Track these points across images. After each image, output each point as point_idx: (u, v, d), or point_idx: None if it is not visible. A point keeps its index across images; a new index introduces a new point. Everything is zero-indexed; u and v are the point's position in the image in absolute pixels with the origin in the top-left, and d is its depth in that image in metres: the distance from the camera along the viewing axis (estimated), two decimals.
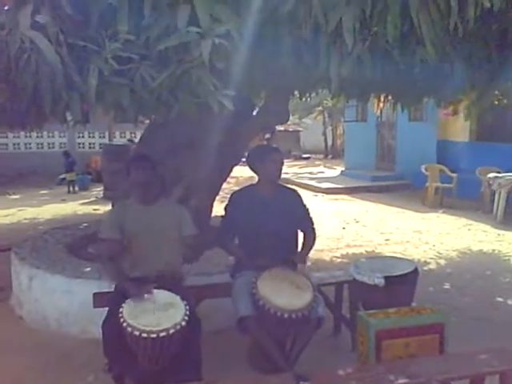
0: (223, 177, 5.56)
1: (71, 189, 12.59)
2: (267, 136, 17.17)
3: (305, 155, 22.24)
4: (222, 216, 3.62)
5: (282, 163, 3.53)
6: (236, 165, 5.53)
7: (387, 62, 3.33)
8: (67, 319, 4.19)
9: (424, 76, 3.72)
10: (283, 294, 3.11)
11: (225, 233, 3.52)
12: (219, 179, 5.46)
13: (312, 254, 6.45)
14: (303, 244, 3.59)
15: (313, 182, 13.62)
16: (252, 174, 3.66)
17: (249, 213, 3.45)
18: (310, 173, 16.26)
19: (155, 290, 3.00)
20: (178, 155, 4.92)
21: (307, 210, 3.65)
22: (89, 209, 10.13)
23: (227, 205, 3.56)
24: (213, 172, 5.03)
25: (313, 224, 3.66)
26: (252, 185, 3.62)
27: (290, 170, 16.52)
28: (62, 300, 4.20)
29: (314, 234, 3.63)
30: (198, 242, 3.46)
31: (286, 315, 3.02)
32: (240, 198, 3.53)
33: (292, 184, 13.22)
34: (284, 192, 3.61)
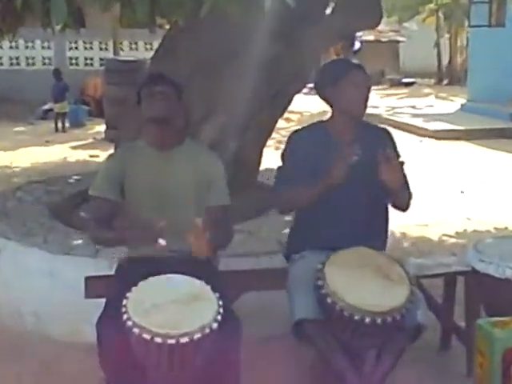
0: (278, 110, 5.56)
1: (60, 125, 12.87)
2: (356, 47, 16.86)
3: (406, 79, 21.85)
4: (278, 167, 3.60)
5: (369, 88, 3.46)
6: (298, 92, 5.47)
7: None
8: (49, 314, 4.28)
9: None
10: (364, 289, 3.09)
11: (282, 182, 3.51)
12: (272, 113, 5.47)
13: (411, 230, 6.50)
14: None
15: (417, 122, 13.40)
16: (325, 107, 3.61)
17: (315, 164, 3.41)
18: (413, 107, 16.00)
19: (175, 276, 3.04)
20: (210, 76, 4.93)
21: (401, 162, 3.56)
22: (84, 155, 10.35)
23: (285, 150, 3.55)
24: (262, 102, 5.00)
25: (408, 185, 3.58)
26: (321, 122, 3.57)
27: (383, 101, 16.27)
28: (42, 285, 4.30)
29: (409, 198, 3.56)
30: (230, 216, 3.49)
31: (367, 320, 2.99)
32: (303, 141, 3.50)
33: (385, 124, 13.06)
34: (369, 133, 3.54)
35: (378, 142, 3.52)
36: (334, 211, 3.42)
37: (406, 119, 13.72)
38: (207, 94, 4.87)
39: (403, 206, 3.59)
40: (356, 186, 3.39)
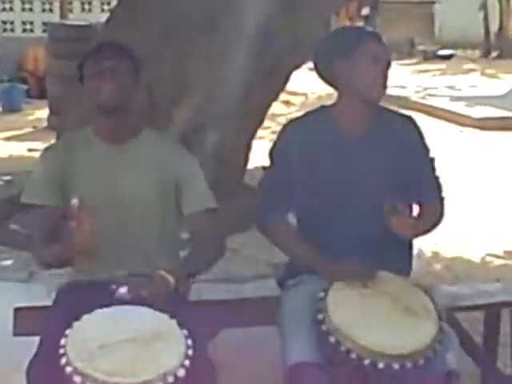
0: (271, 91, 5.59)
1: None
2: (364, 11, 16.99)
3: (443, 51, 21.91)
4: (264, 168, 3.62)
5: (389, 63, 3.46)
6: (297, 67, 5.47)
7: None
8: None
9: None
10: (377, 325, 3.09)
11: (271, 202, 3.53)
12: (263, 95, 5.50)
13: (446, 249, 6.48)
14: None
15: (457, 107, 13.42)
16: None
17: (316, 165, 3.44)
18: (451, 87, 16.00)
19: (130, 308, 3.03)
20: (182, 48, 4.99)
21: (431, 159, 3.60)
22: (20, 148, 10.38)
23: (274, 146, 3.57)
24: (250, 81, 5.00)
25: (440, 189, 3.61)
26: (324, 108, 3.59)
27: (412, 80, 16.28)
28: None
29: (442, 207, 3.60)
30: (219, 223, 3.50)
31: (380, 365, 2.98)
32: (299, 135, 3.51)
33: (413, 110, 13.10)
34: (388, 122, 3.56)
35: (399, 134, 3.55)
36: (343, 223, 3.44)
37: (442, 103, 13.70)
38: (178, 71, 4.91)
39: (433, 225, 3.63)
40: (374, 193, 3.41)
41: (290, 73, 5.55)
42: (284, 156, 3.51)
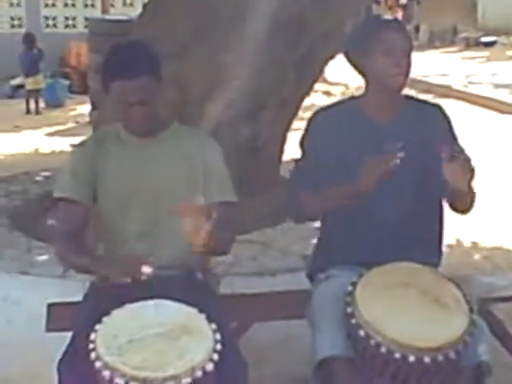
0: (305, 82, 5.55)
1: (33, 105, 12.93)
2: (403, 0, 16.91)
3: (486, 38, 21.63)
4: (295, 160, 3.62)
5: (408, 52, 3.41)
6: (332, 57, 5.44)
7: None
8: (2, 351, 4.26)
9: None
10: (406, 318, 3.07)
11: (302, 185, 3.51)
12: (297, 86, 5.46)
13: (486, 239, 6.40)
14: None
15: (499, 94, 13.25)
16: None
17: (345, 152, 3.42)
18: (494, 74, 15.82)
19: (159, 302, 3.04)
20: (212, 43, 4.95)
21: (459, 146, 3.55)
22: (63, 143, 10.35)
23: (304, 135, 3.57)
24: (283, 72, 4.99)
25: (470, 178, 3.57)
26: (353, 99, 3.59)
27: (455, 67, 16.10)
28: None
29: (471, 194, 3.52)
30: (235, 219, 3.49)
31: (411, 358, 2.96)
32: (328, 124, 3.51)
33: (455, 98, 12.97)
34: (416, 111, 3.54)
35: (426, 121, 3.53)
36: (371, 214, 3.42)
37: (484, 91, 13.58)
38: (209, 66, 4.89)
39: (465, 208, 3.58)
40: (400, 181, 3.38)
41: (324, 64, 5.53)
42: (313, 144, 3.51)
